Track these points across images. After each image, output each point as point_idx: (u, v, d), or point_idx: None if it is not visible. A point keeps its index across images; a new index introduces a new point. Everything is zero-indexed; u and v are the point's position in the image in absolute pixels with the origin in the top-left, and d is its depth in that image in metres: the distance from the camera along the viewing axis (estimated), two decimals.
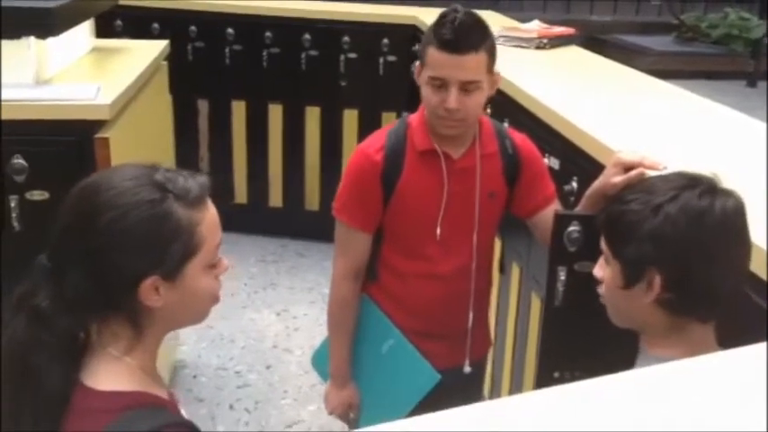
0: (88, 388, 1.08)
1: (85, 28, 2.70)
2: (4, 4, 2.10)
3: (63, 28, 2.25)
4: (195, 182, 1.13)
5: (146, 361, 1.14)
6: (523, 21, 3.67)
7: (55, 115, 2.04)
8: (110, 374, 1.09)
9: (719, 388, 0.74)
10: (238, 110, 4.49)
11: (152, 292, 1.09)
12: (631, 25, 9.07)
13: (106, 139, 2.02)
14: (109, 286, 1.08)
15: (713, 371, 0.79)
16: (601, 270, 1.34)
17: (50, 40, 2.24)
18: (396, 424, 0.64)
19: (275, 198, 4.60)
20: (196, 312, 1.18)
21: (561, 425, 0.67)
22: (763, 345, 0.81)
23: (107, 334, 1.11)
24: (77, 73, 2.48)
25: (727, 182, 1.26)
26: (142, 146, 2.51)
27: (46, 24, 2.15)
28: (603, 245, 1.33)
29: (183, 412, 1.19)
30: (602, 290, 1.34)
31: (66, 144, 2.01)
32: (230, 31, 4.34)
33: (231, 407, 3.14)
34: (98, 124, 2.07)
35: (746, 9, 8.73)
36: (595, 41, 8.22)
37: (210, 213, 1.14)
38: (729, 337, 1.17)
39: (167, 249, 1.09)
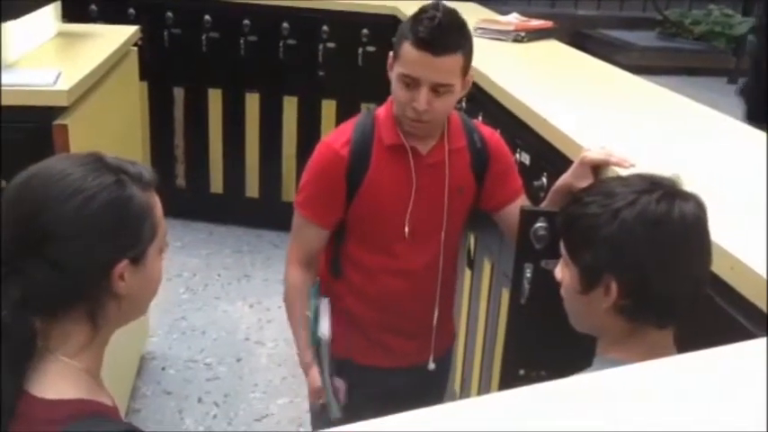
0: (32, 396, 1.03)
1: (50, 12, 2.63)
2: None
3: (22, 11, 2.18)
4: (142, 167, 1.12)
5: (92, 363, 1.09)
6: (507, 14, 3.62)
7: (11, 101, 1.97)
8: (55, 381, 1.04)
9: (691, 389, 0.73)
10: (215, 98, 4.43)
11: (120, 278, 1.06)
12: (616, 20, 9.04)
13: (65, 126, 1.96)
14: (78, 276, 1.03)
15: (684, 372, 0.78)
16: (561, 272, 1.30)
17: (10, 23, 2.17)
18: (363, 424, 0.65)
19: (251, 188, 4.55)
20: (145, 302, 1.17)
21: (522, 426, 0.67)
22: (729, 347, 0.80)
23: (57, 335, 1.06)
24: (40, 58, 2.41)
25: (690, 182, 1.23)
26: (105, 133, 2.45)
27: (4, 7, 2.08)
28: (562, 247, 1.29)
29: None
30: (563, 292, 1.31)
31: (24, 131, 1.95)
32: (207, 18, 4.29)
33: (200, 400, 3.10)
34: (57, 111, 2.01)
35: (730, 6, 8.73)
36: (579, 36, 8.19)
37: (157, 198, 1.14)
38: (690, 341, 1.15)
39: (139, 231, 1.07)
